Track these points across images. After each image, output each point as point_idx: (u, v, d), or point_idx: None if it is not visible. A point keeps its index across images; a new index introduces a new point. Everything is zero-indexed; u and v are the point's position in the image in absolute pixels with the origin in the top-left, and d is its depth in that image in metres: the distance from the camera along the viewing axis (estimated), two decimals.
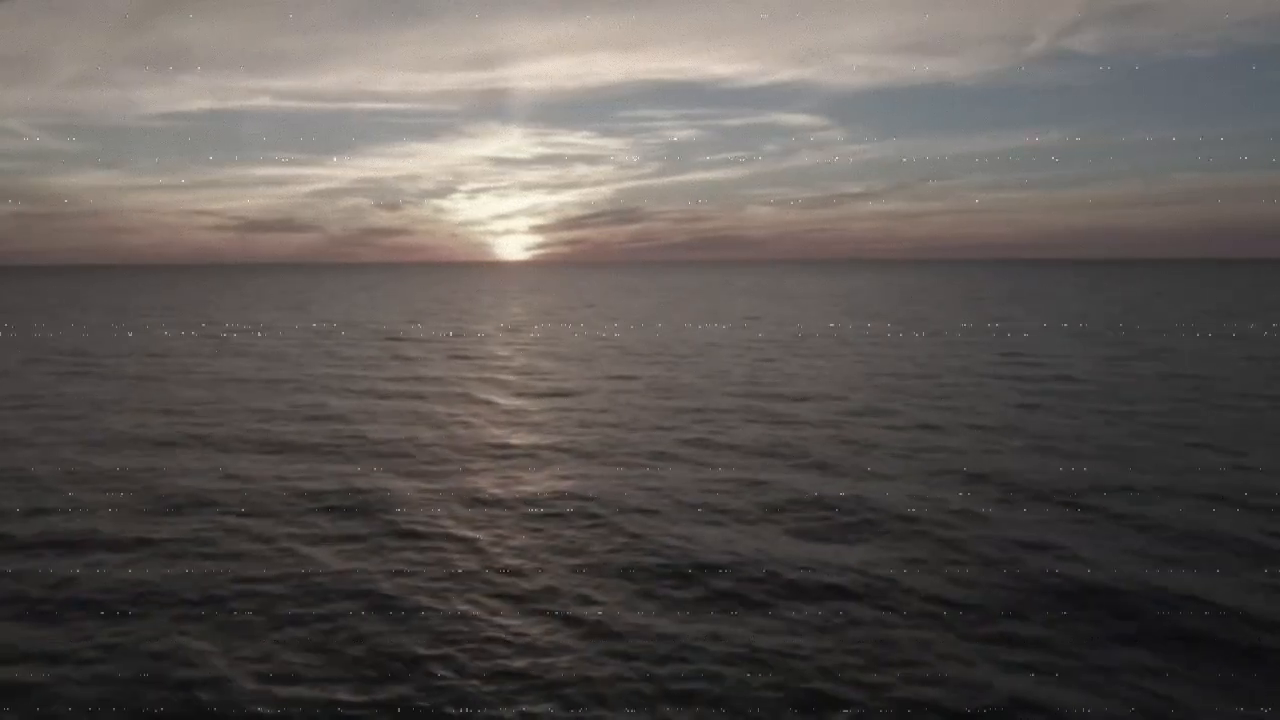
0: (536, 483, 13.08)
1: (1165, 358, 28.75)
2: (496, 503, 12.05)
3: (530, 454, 14.99)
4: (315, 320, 49.44)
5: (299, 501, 12.13)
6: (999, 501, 11.99)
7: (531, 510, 11.69)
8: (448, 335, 39.13)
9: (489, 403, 20.26)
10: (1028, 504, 11.86)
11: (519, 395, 21.43)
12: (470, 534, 10.72)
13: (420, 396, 21.26)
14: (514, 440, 16.07)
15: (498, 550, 10.13)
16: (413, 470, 13.90)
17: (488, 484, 13.02)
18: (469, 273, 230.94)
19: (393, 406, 19.83)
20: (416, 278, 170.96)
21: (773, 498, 12.17)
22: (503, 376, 24.91)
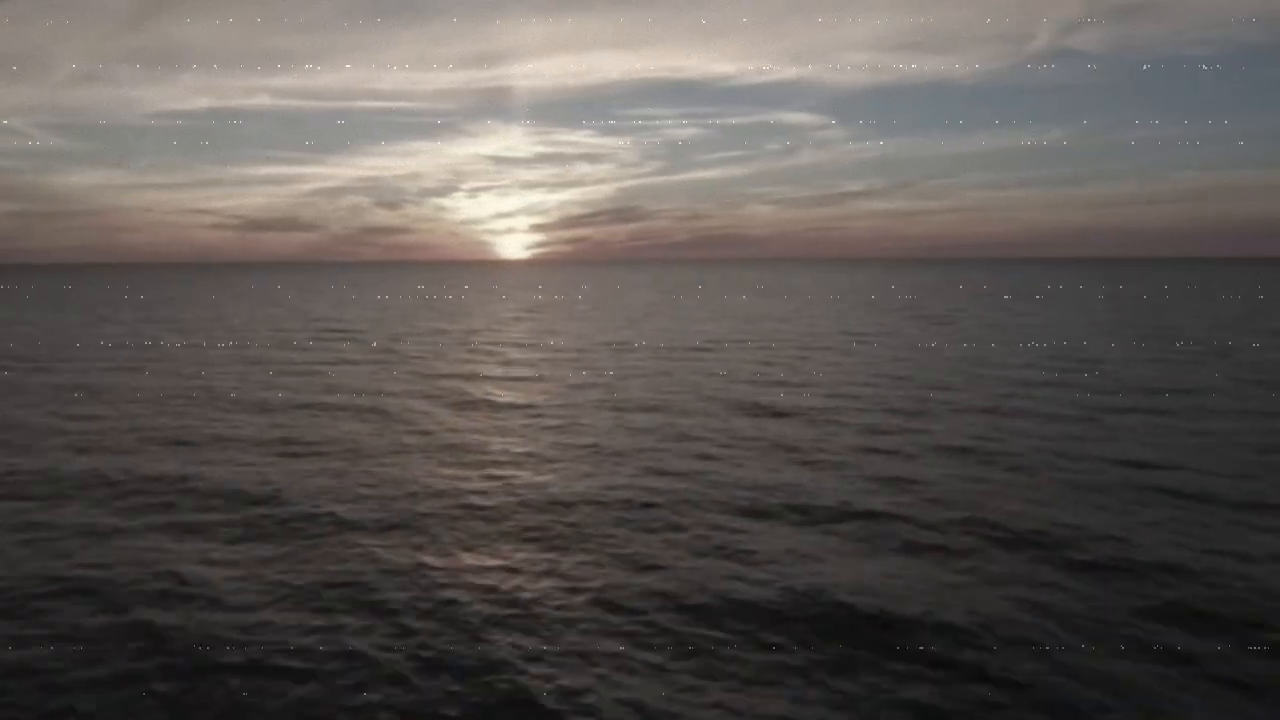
0: (462, 556, 9.25)
1: (1232, 359, 24.91)
2: (398, 587, 8.22)
3: (467, 502, 11.15)
4: (290, 319, 45.63)
5: (103, 584, 8.30)
6: (1129, 596, 8.14)
7: (442, 605, 7.87)
8: (419, 336, 35.31)
9: (431, 417, 16.41)
10: (1177, 607, 8.01)
11: (473, 410, 17.57)
12: (342, 649, 6.91)
13: (353, 411, 17.41)
14: (451, 479, 12.23)
15: (373, 674, 6.31)
16: (294, 531, 10.07)
17: (398, 553, 9.18)
18: (468, 271, 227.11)
19: (311, 426, 15.98)
20: (415, 276, 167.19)
21: (788, 598, 8.29)
22: (461, 385, 21.08)
